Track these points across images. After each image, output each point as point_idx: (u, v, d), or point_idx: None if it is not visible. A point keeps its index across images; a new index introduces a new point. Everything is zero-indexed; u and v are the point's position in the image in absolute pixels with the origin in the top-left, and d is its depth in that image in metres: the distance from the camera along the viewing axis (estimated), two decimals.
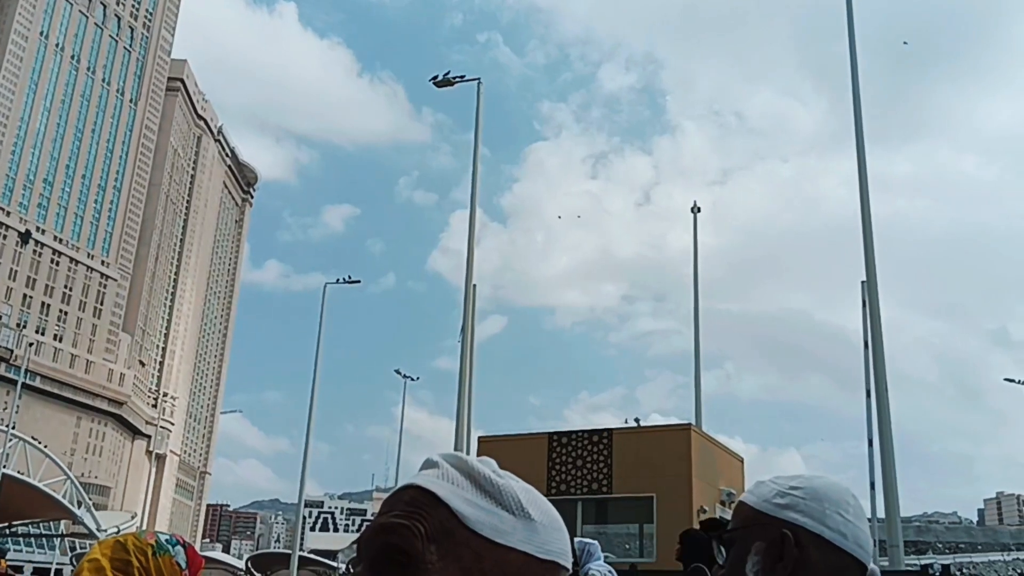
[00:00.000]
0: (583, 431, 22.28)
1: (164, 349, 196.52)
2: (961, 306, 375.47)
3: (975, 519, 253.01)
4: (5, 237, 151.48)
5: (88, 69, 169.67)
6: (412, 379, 67.52)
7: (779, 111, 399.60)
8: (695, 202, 36.17)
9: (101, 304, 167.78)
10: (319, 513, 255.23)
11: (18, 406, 79.74)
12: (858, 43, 24.80)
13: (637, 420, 26.80)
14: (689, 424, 23.99)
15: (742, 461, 24.66)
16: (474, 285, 29.57)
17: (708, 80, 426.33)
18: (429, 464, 1.17)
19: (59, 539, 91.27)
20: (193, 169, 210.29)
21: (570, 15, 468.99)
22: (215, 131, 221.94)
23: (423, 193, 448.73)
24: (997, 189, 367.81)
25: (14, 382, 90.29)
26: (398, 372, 65.94)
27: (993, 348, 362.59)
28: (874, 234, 22.71)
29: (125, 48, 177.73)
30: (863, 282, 23.01)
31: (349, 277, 54.27)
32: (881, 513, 22.65)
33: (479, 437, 24.77)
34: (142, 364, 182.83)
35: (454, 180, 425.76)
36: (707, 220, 36.21)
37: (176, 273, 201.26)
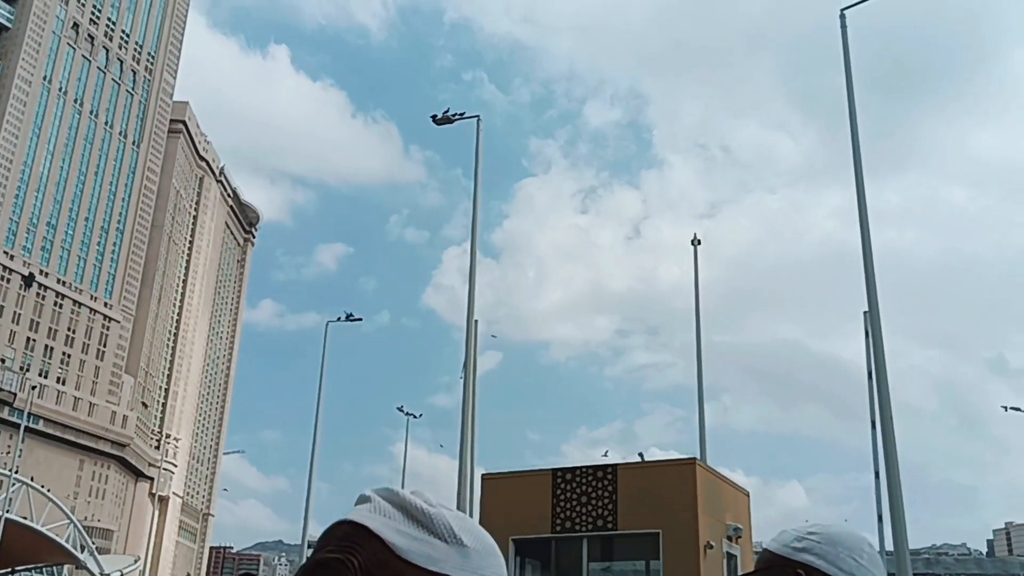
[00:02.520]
0: (587, 467, 22.13)
1: (167, 390, 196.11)
2: (957, 335, 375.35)
3: (984, 550, 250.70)
4: (9, 281, 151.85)
5: (91, 113, 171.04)
6: (415, 416, 67.23)
7: (766, 143, 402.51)
8: (695, 235, 36.26)
9: (104, 346, 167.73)
10: None
11: (21, 450, 79.38)
12: (840, 75, 25.00)
13: (641, 455, 26.66)
14: (694, 458, 23.84)
15: (747, 495, 24.45)
16: (476, 321, 29.57)
17: (693, 114, 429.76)
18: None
19: None
20: (195, 210, 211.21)
21: (553, 52, 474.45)
22: (217, 172, 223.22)
23: (415, 231, 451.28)
24: (987, 219, 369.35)
25: (17, 426, 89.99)
26: (400, 409, 65.67)
27: (991, 376, 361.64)
28: (876, 266, 22.72)
29: (127, 91, 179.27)
30: (865, 312, 22.98)
31: (351, 315, 54.35)
32: (889, 546, 22.42)
33: (483, 475, 24.59)
34: (145, 406, 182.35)
35: (445, 217, 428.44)
36: (698, 253, 36.46)
37: (179, 314, 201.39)
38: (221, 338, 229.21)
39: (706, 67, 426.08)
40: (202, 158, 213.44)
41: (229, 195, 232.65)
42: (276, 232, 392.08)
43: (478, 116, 30.78)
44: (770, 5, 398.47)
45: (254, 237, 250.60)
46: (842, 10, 27.51)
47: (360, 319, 56.27)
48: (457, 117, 30.85)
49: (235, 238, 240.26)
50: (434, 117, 30.84)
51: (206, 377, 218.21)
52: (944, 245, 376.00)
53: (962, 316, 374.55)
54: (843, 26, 27.15)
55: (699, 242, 36.23)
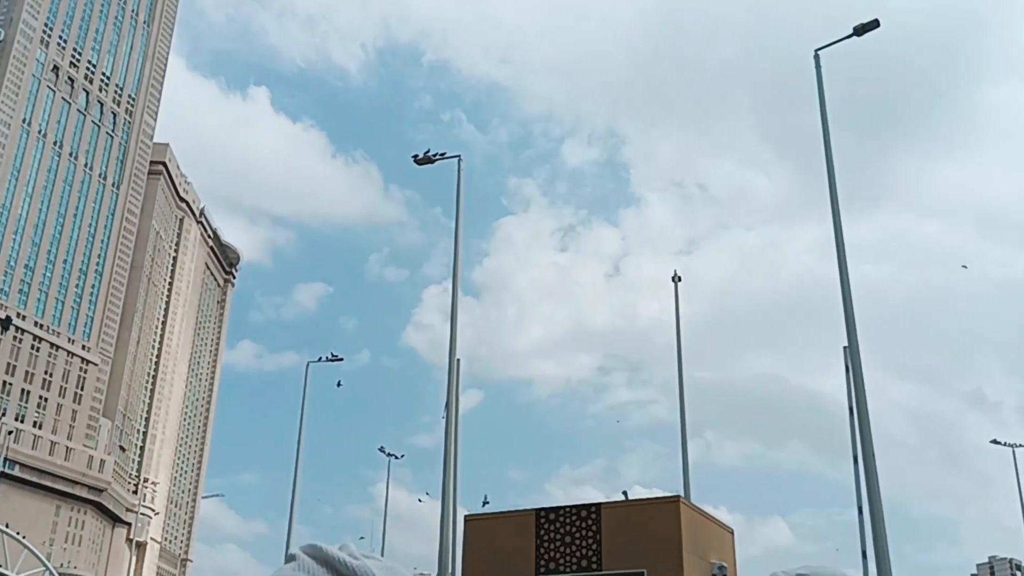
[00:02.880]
0: (571, 506, 21.97)
1: (145, 433, 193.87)
2: (935, 368, 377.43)
3: None
4: None
5: (71, 155, 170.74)
6: (396, 457, 66.80)
7: (741, 181, 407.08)
8: (675, 271, 36.42)
9: (82, 389, 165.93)
10: None
11: None
12: (814, 113, 25.37)
13: (625, 493, 26.51)
14: (678, 496, 23.71)
15: (732, 532, 24.34)
16: (458, 360, 29.47)
17: (670, 152, 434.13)
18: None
19: None
20: (175, 251, 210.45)
21: (531, 93, 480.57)
22: (197, 213, 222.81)
23: (395, 269, 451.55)
24: (961, 254, 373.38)
25: None
26: (382, 450, 65.31)
27: (970, 410, 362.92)
28: (853, 300, 22.89)
29: (108, 133, 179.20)
30: (845, 347, 23.09)
31: (333, 355, 54.06)
32: None
33: (466, 516, 24.32)
34: (123, 449, 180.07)
35: (424, 256, 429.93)
36: (679, 289, 36.67)
37: (158, 356, 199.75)
38: (200, 380, 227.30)
39: (681, 106, 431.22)
40: (182, 199, 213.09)
41: (209, 236, 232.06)
42: (255, 273, 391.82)
43: (459, 156, 30.95)
44: (744, 46, 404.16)
45: (234, 278, 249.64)
46: (816, 50, 27.97)
47: (341, 359, 55.97)
48: (438, 157, 31.01)
49: (215, 279, 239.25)
50: (415, 157, 30.97)
51: (185, 419, 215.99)
52: (919, 279, 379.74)
53: (940, 350, 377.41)
54: (817, 66, 27.59)
55: (679, 279, 36.41)
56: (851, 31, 27.90)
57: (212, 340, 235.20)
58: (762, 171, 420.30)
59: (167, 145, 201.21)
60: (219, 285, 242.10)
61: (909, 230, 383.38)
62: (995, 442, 67.89)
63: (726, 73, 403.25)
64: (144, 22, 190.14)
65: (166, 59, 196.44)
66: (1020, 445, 66.31)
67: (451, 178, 30.64)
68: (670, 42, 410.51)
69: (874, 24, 27.78)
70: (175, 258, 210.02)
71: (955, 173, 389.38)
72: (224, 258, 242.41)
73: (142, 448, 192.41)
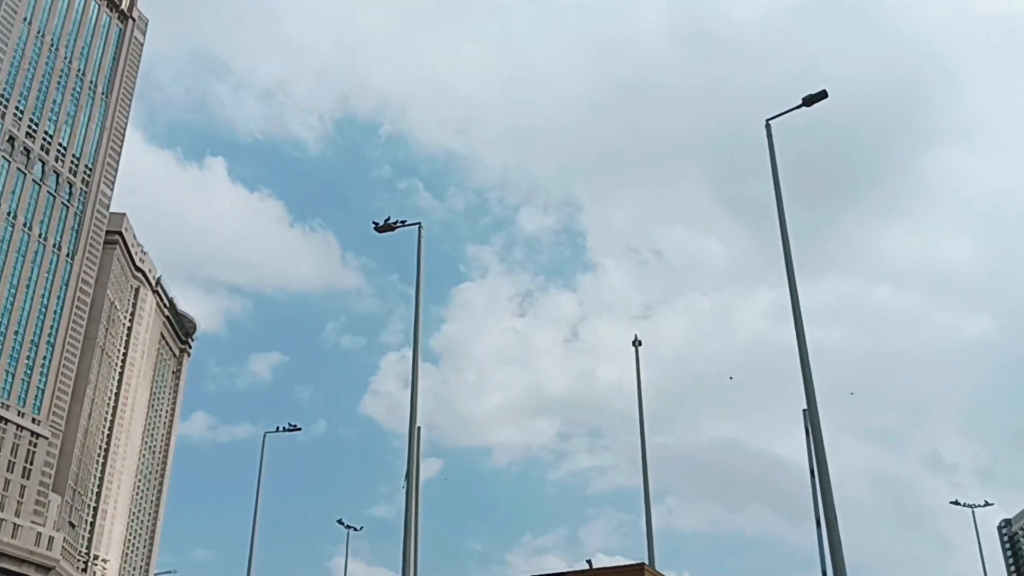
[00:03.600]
0: None
1: (96, 508, 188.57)
2: (891, 431, 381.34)
3: None
4: None
5: (24, 225, 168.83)
6: (355, 529, 65.74)
7: (696, 247, 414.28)
8: (636, 336, 36.71)
9: (31, 464, 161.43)
10: None
11: None
12: (766, 181, 26.02)
13: (589, 562, 26.30)
14: (643, 564, 23.64)
15: None
16: (419, 428, 29.27)
17: (625, 219, 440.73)
18: None
19: None
20: (130, 321, 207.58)
21: (486, 162, 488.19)
22: (153, 282, 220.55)
23: (351, 337, 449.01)
24: (911, 318, 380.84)
25: None
26: (340, 522, 64.29)
27: (927, 472, 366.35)
28: (811, 364, 23.19)
29: (63, 203, 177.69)
30: (804, 410, 23.33)
31: (291, 425, 53.46)
32: None
33: None
34: (72, 526, 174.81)
35: (382, 323, 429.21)
36: (633, 355, 37.00)
37: (110, 428, 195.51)
38: (154, 452, 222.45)
39: (636, 174, 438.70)
40: (138, 269, 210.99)
41: (166, 306, 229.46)
42: (211, 342, 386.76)
43: (419, 223, 31.20)
44: (696, 116, 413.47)
45: (190, 347, 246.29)
46: (767, 120, 28.81)
47: (299, 428, 55.39)
48: (399, 225, 31.24)
49: (171, 349, 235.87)
50: (376, 225, 31.16)
51: (137, 494, 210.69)
52: (871, 343, 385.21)
53: (895, 412, 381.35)
54: (769, 135, 28.41)
55: (640, 343, 36.72)
56: (800, 101, 28.81)
57: (167, 411, 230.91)
58: (716, 237, 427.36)
59: (123, 215, 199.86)
60: (175, 355, 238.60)
61: (860, 294, 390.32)
62: (955, 503, 68.54)
63: (679, 142, 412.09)
64: (102, 93, 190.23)
65: (124, 129, 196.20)
66: (979, 506, 66.98)
67: (408, 245, 30.90)
68: (623, 113, 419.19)
69: (822, 95, 28.73)
70: (130, 328, 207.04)
71: (904, 238, 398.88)
72: (180, 328, 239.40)
73: (92, 524, 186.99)
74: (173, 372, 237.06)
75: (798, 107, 28.55)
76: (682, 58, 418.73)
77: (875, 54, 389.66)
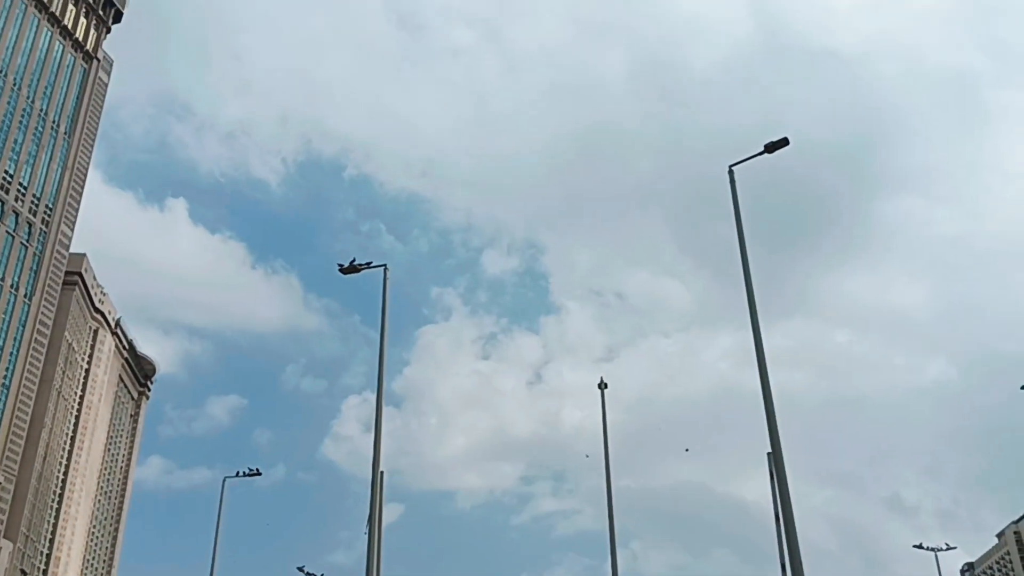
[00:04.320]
0: None
1: (49, 556, 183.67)
2: (853, 474, 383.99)
3: None
4: None
5: None
6: None
7: (658, 290, 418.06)
8: (602, 378, 36.75)
9: None
10: None
11: None
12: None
13: None
14: None
15: None
16: (381, 472, 28.94)
17: (588, 262, 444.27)
18: None
19: None
20: (88, 363, 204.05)
21: (451, 205, 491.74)
22: (113, 324, 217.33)
23: (312, 380, 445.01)
24: (870, 361, 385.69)
25: None
26: (301, 569, 63.16)
27: (889, 515, 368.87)
28: (777, 408, 23.29)
29: (22, 243, 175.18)
30: (769, 454, 23.38)
31: (251, 469, 52.65)
32: None
33: None
34: (24, 573, 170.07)
35: (343, 366, 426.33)
36: (597, 398, 37.19)
37: (65, 473, 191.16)
38: (110, 498, 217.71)
39: (599, 217, 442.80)
40: (98, 310, 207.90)
41: (125, 347, 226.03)
42: (168, 385, 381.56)
43: (385, 265, 31.12)
44: (659, 161, 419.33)
45: (149, 390, 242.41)
46: (730, 166, 29.25)
47: (259, 473, 54.54)
48: (364, 266, 31.13)
49: (129, 392, 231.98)
50: (341, 267, 31.04)
51: (92, 541, 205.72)
52: (832, 387, 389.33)
53: (856, 455, 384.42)
54: (732, 181, 28.80)
55: (606, 385, 36.73)
56: (762, 148, 29.27)
57: (124, 456, 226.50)
58: (678, 280, 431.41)
59: (84, 255, 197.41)
60: (133, 398, 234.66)
61: (821, 338, 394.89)
62: (918, 547, 68.87)
63: (642, 186, 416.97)
64: (65, 133, 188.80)
65: (86, 170, 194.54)
66: (941, 549, 67.35)
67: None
68: (587, 157, 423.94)
69: (784, 142, 29.22)
70: (87, 371, 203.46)
71: (862, 283, 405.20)
72: (139, 370, 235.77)
73: (45, 571, 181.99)
74: (131, 415, 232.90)
75: (760, 154, 29.00)
76: (645, 105, 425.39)
77: (832, 103, 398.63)
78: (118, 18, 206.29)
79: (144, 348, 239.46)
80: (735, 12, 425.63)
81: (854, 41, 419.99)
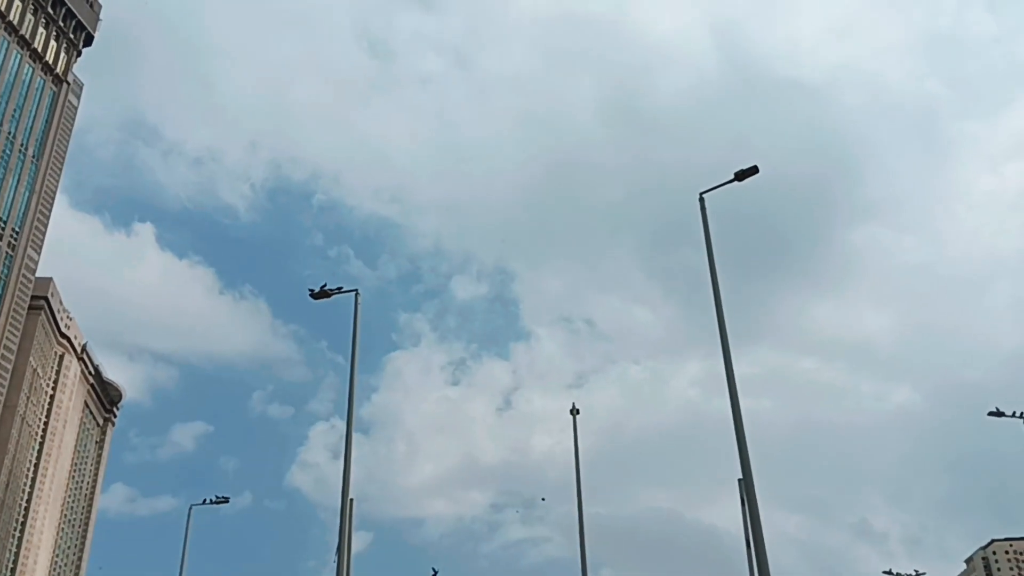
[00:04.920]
0: None
1: None
2: (821, 500, 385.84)
3: None
4: None
5: None
6: None
7: (628, 316, 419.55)
8: (573, 404, 36.72)
9: None
10: None
11: None
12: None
13: None
14: None
15: None
16: (351, 499, 28.65)
17: (558, 289, 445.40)
18: None
19: None
20: (53, 389, 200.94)
21: (420, 230, 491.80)
22: (79, 349, 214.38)
23: (279, 407, 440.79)
24: (836, 388, 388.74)
25: None
26: None
27: (857, 541, 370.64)
28: (746, 434, 23.36)
29: None
30: (740, 480, 23.42)
31: (218, 497, 51.98)
32: None
33: None
34: None
35: (310, 392, 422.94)
36: (567, 424, 37.27)
37: (28, 501, 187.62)
38: (74, 526, 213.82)
39: (569, 244, 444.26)
40: (63, 335, 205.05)
41: (91, 373, 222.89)
42: (133, 412, 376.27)
43: (356, 290, 30.98)
44: (629, 188, 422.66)
45: (115, 416, 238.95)
46: (701, 194, 29.48)
47: (227, 500, 53.83)
48: (335, 291, 30.98)
49: (95, 418, 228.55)
50: (312, 292, 30.86)
51: (55, 569, 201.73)
52: (799, 414, 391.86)
53: (824, 482, 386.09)
54: (703, 208, 29.01)
55: (578, 411, 36.67)
56: (732, 176, 29.53)
57: (88, 483, 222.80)
58: (648, 307, 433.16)
59: (50, 280, 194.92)
60: (98, 424, 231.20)
61: (788, 366, 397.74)
62: (887, 573, 69.11)
63: (612, 213, 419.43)
64: (33, 156, 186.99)
65: (54, 193, 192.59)
66: (911, 575, 67.62)
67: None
68: (556, 184, 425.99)
69: (753, 170, 29.49)
70: (52, 397, 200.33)
71: (829, 310, 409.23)
72: (105, 396, 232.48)
73: None
74: (97, 442, 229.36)
75: (730, 181, 29.24)
76: (614, 133, 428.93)
77: (799, 132, 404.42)
78: (89, 41, 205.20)
79: (110, 374, 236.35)
80: (701, 43, 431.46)
81: (819, 72, 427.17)
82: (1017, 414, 56.92)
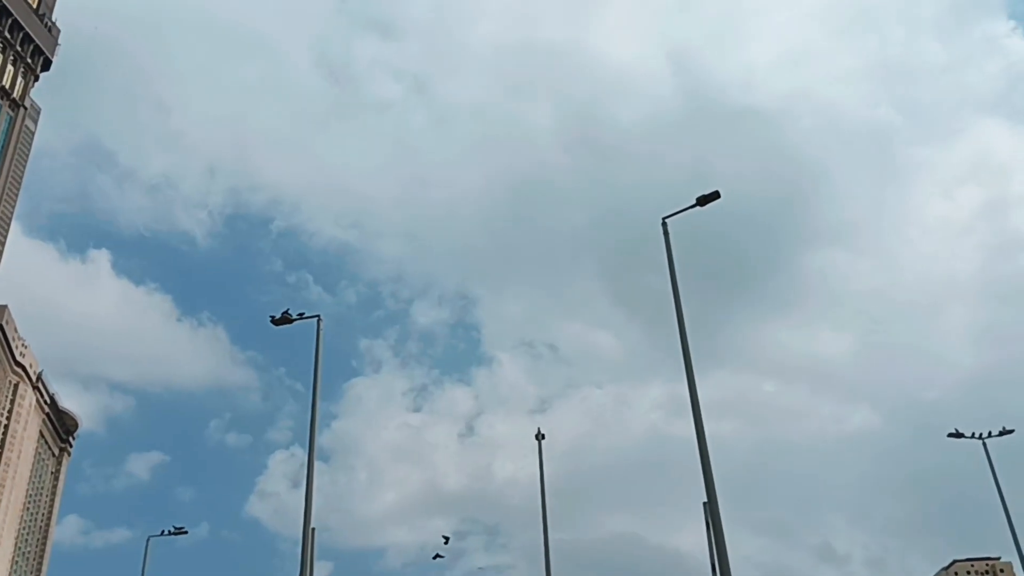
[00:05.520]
0: None
1: None
2: (784, 522, 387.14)
3: None
4: None
5: None
6: None
7: (590, 340, 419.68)
8: (539, 429, 36.55)
9: None
10: None
11: None
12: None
13: None
14: None
15: None
16: (313, 528, 28.19)
17: (520, 313, 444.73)
18: None
19: None
20: (7, 419, 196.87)
21: (381, 256, 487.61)
22: (34, 378, 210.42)
23: (236, 435, 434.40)
24: (797, 410, 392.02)
25: None
26: None
27: (820, 563, 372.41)
28: (711, 457, 23.33)
29: None
30: (704, 503, 23.36)
31: (175, 528, 51.02)
32: None
33: None
34: None
35: (268, 420, 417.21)
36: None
37: None
38: (28, 560, 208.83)
39: (531, 269, 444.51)
40: (18, 364, 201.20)
41: (46, 402, 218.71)
42: (87, 442, 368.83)
43: (318, 316, 30.63)
44: (591, 213, 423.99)
45: (71, 446, 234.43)
46: (664, 218, 29.63)
47: (185, 531, 52.86)
48: (297, 318, 30.63)
49: (50, 448, 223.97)
50: (273, 318, 30.49)
51: None
52: (761, 436, 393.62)
53: (785, 504, 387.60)
54: (666, 233, 29.14)
55: (543, 436, 36.51)
56: (694, 201, 29.73)
57: (44, 514, 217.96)
58: (610, 331, 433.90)
59: (5, 307, 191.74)
60: (54, 455, 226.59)
61: (749, 389, 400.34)
62: None
63: (574, 238, 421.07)
64: None
65: (9, 219, 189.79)
66: None
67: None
68: (518, 210, 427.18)
69: (715, 195, 29.68)
70: (7, 426, 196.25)
71: (789, 334, 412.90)
72: (61, 426, 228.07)
73: None
74: (52, 473, 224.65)
75: (693, 206, 29.42)
76: (574, 159, 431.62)
77: (756, 158, 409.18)
78: (47, 66, 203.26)
79: (66, 403, 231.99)
80: (658, 71, 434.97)
81: (775, 99, 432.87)
82: (976, 435, 57.66)
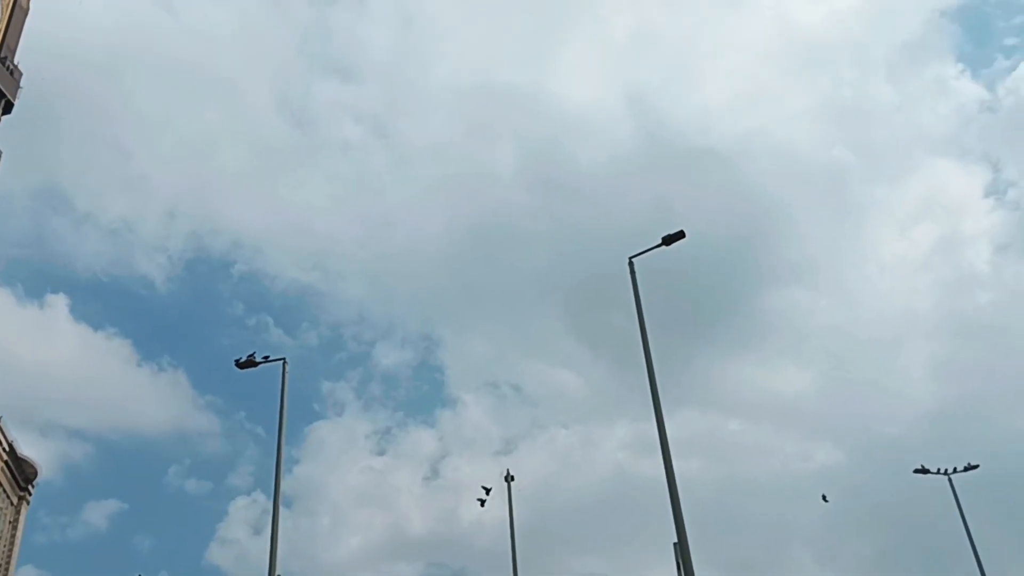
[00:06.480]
0: None
1: None
2: (752, 561, 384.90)
3: None
4: None
5: None
6: None
7: (555, 380, 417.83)
8: (508, 471, 36.38)
9: None
10: None
11: None
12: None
13: None
14: None
15: None
16: (279, 575, 27.70)
17: (484, 354, 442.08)
18: None
19: None
20: None
21: (342, 297, 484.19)
22: None
23: (196, 481, 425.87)
24: (762, 447, 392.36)
25: None
26: None
27: None
28: (680, 496, 23.24)
29: None
30: (675, 544, 23.24)
31: None
32: None
33: None
34: None
35: (229, 465, 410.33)
36: (497, 491, 36.61)
37: None
38: None
39: (494, 309, 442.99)
40: None
41: (5, 450, 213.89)
42: (43, 491, 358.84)
43: (284, 359, 30.35)
44: (554, 253, 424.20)
45: (30, 495, 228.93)
46: (630, 258, 29.72)
47: None
48: (262, 361, 30.32)
49: (8, 497, 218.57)
50: (238, 361, 30.17)
51: None
52: (727, 474, 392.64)
53: (754, 542, 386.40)
54: (632, 272, 29.21)
55: (512, 478, 36.32)
56: (660, 241, 29.86)
57: (2, 565, 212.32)
58: (575, 371, 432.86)
59: None
60: (12, 504, 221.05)
61: (714, 427, 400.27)
62: None
63: (538, 278, 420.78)
64: None
65: None
66: None
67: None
68: (481, 250, 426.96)
69: (680, 235, 29.84)
70: None
71: (753, 372, 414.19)
72: (20, 473, 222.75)
73: None
74: (10, 522, 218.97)
75: (658, 246, 29.55)
76: (536, 199, 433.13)
77: (716, 198, 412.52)
78: (8, 109, 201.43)
79: (25, 450, 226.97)
80: (616, 113, 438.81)
81: (731, 140, 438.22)
82: (942, 471, 58.02)
